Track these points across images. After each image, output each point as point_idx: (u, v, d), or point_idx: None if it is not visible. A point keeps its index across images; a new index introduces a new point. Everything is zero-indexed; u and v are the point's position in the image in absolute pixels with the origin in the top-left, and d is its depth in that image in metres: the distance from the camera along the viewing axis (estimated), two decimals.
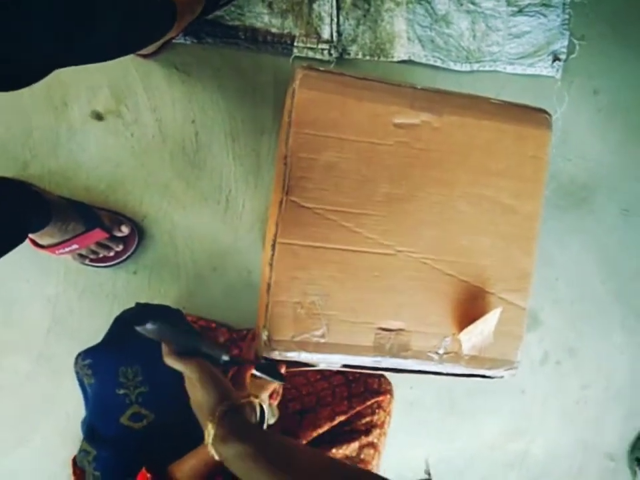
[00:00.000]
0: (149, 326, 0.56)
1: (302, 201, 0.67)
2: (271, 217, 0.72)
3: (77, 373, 0.70)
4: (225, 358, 0.60)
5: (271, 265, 0.67)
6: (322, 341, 0.69)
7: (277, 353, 0.68)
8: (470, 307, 0.73)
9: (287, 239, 0.67)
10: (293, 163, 0.66)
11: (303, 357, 0.69)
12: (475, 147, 0.72)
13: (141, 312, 0.66)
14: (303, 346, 0.69)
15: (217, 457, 0.51)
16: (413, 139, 0.70)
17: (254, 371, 0.64)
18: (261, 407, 0.59)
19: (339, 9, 1.00)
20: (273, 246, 0.67)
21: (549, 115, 0.76)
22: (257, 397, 0.59)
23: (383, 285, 0.70)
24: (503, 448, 1.21)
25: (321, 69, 0.68)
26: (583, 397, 1.23)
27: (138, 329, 0.56)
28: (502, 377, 0.78)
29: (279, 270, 0.67)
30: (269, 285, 0.67)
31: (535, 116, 0.75)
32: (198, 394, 0.54)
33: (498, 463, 1.22)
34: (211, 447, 0.51)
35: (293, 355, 0.69)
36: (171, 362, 0.57)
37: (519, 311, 0.75)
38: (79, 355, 0.69)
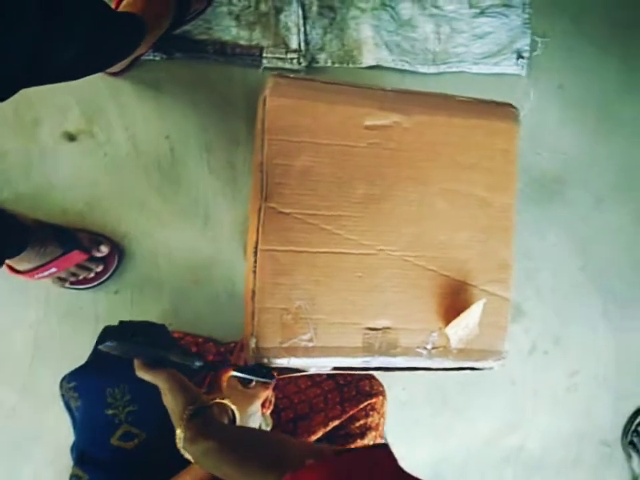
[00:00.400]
0: (109, 344, 0.55)
1: (280, 206, 0.67)
2: (250, 226, 0.72)
3: (63, 396, 0.69)
4: (198, 364, 0.60)
5: (254, 272, 0.67)
6: (310, 345, 0.69)
7: (265, 360, 0.68)
8: (454, 301, 0.74)
9: (268, 245, 0.67)
10: (269, 169, 0.67)
11: (293, 362, 0.69)
12: (446, 144, 0.73)
13: (123, 329, 0.65)
14: (292, 351, 0.69)
15: (190, 458, 0.51)
16: (385, 140, 0.71)
17: (234, 373, 0.63)
18: (232, 409, 0.59)
19: (305, 18, 1.01)
20: (255, 253, 0.67)
21: (516, 108, 0.78)
22: (227, 397, 0.59)
23: (366, 285, 0.70)
24: (498, 443, 1.22)
25: (291, 75, 0.69)
26: (573, 384, 1.24)
27: (100, 347, 0.56)
28: (491, 367, 0.78)
29: (263, 277, 0.67)
30: (253, 292, 0.67)
31: (502, 110, 0.77)
32: (169, 402, 0.55)
33: (494, 458, 1.22)
34: (182, 450, 0.51)
35: (282, 361, 0.68)
36: (142, 375, 0.57)
37: (502, 301, 0.77)
38: (64, 378, 0.68)
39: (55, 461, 0.98)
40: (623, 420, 1.28)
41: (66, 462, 0.96)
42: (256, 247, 0.67)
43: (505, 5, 1.11)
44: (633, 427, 1.25)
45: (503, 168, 0.76)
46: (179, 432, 0.52)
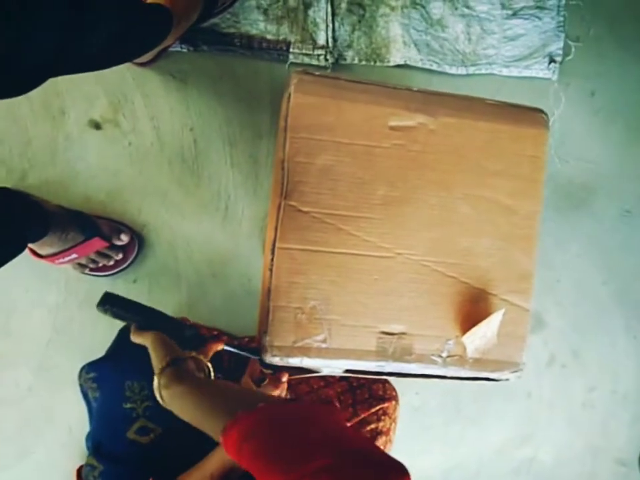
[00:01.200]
0: (107, 306, 0.59)
1: (300, 205, 0.66)
2: (269, 222, 0.71)
3: (81, 385, 0.69)
4: (189, 333, 0.62)
5: (270, 270, 0.67)
6: (323, 346, 0.69)
7: (278, 358, 0.67)
8: (472, 309, 0.72)
9: (286, 243, 0.67)
10: (290, 167, 0.66)
11: (305, 362, 0.68)
12: (472, 148, 0.72)
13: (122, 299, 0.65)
14: (305, 351, 0.68)
15: (162, 403, 0.54)
16: (409, 141, 0.70)
17: (225, 346, 0.65)
18: (208, 366, 0.61)
19: (334, 14, 1.00)
20: (272, 251, 0.67)
21: (546, 114, 0.75)
22: (205, 356, 0.61)
23: (383, 288, 0.69)
24: (511, 453, 1.20)
25: (316, 73, 0.68)
26: (590, 400, 1.22)
27: (98, 309, 0.59)
28: (507, 379, 0.77)
29: (279, 275, 0.67)
30: (269, 290, 0.67)
31: (532, 116, 0.75)
32: (152, 358, 0.57)
33: (505, 468, 1.20)
34: (157, 396, 0.55)
35: (294, 361, 0.68)
36: (134, 337, 0.60)
37: (522, 312, 0.75)
38: (83, 367, 0.68)
39: (67, 443, 1.00)
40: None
41: (76, 445, 0.98)
42: (274, 245, 0.67)
43: (539, 7, 1.08)
44: None
45: (529, 175, 0.74)
46: (155, 379, 0.55)
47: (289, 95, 0.67)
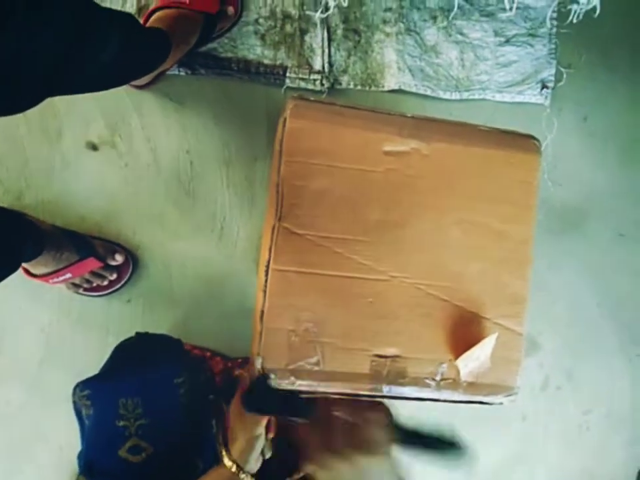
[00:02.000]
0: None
1: (294, 227, 0.67)
2: (263, 244, 0.72)
3: (75, 403, 0.69)
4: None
5: (264, 291, 0.67)
6: (316, 368, 0.68)
7: (271, 381, 0.67)
8: (466, 333, 0.72)
9: (280, 265, 0.67)
10: (285, 190, 0.67)
11: (298, 385, 0.68)
12: (464, 173, 0.73)
13: (140, 341, 0.65)
14: (298, 374, 0.68)
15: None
16: (403, 166, 0.70)
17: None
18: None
19: (330, 40, 1.02)
20: (266, 272, 0.67)
21: (537, 140, 0.77)
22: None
23: (377, 311, 0.69)
24: (505, 476, 1.18)
25: (312, 98, 0.69)
26: (585, 422, 1.21)
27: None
28: (501, 403, 0.77)
29: (273, 297, 0.67)
30: (262, 312, 0.67)
31: (524, 142, 0.76)
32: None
33: None
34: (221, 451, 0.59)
35: (287, 384, 0.68)
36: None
37: (515, 336, 0.75)
38: (77, 385, 0.68)
39: (58, 464, 0.98)
40: (635, 463, 1.23)
41: (67, 465, 0.97)
42: (267, 266, 0.67)
43: (531, 35, 1.10)
44: None
45: (522, 200, 0.75)
46: (224, 453, 0.59)
47: (285, 119, 0.68)
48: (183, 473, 0.63)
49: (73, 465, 0.67)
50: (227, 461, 0.58)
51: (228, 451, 0.59)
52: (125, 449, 0.62)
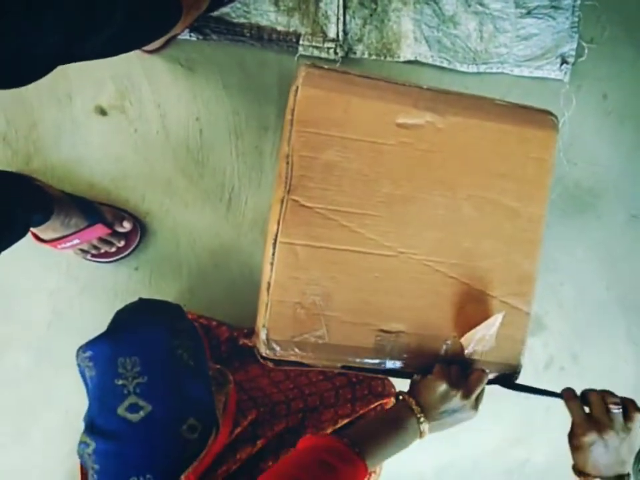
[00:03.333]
0: None
1: (303, 200, 0.66)
2: (271, 216, 0.71)
3: (79, 365, 0.69)
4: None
5: (271, 264, 0.67)
6: (321, 341, 0.69)
7: (276, 352, 0.67)
8: (472, 310, 0.72)
9: (287, 238, 0.66)
10: (295, 161, 0.66)
11: (302, 356, 0.69)
12: (478, 149, 0.71)
13: (141, 305, 0.65)
14: (302, 346, 0.68)
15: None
16: (416, 140, 0.69)
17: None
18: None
19: (345, 7, 0.99)
20: (274, 245, 0.67)
21: (555, 116, 0.75)
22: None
23: (384, 287, 0.69)
24: (505, 453, 1.20)
25: (325, 66, 0.68)
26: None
27: None
28: (505, 380, 0.77)
29: (280, 269, 0.67)
30: (269, 284, 0.67)
31: (540, 117, 0.74)
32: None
33: (499, 469, 1.20)
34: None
35: (292, 355, 0.68)
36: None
37: (522, 315, 0.75)
38: (80, 347, 0.69)
39: (65, 426, 1.00)
40: None
41: (74, 428, 0.99)
42: (275, 239, 0.67)
43: (554, 7, 1.07)
44: None
45: (536, 178, 0.73)
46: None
47: (297, 87, 0.67)
48: (178, 434, 0.64)
49: (79, 428, 0.69)
50: (414, 405, 0.67)
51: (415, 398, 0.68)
52: (123, 408, 0.63)
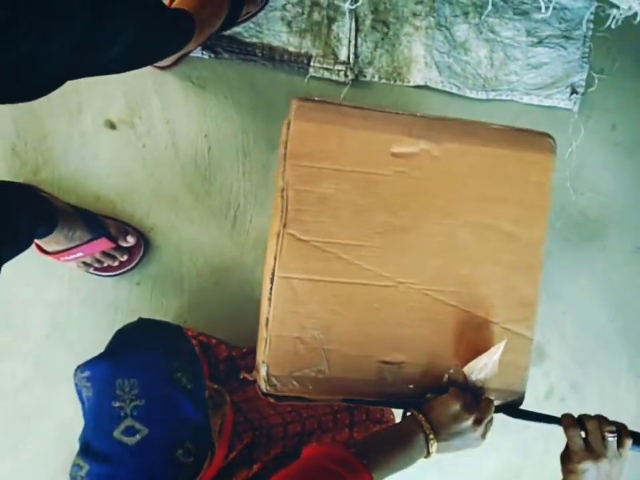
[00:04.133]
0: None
1: (300, 233, 0.65)
2: (268, 250, 0.71)
3: (76, 385, 0.69)
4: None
5: (269, 299, 0.66)
6: (322, 376, 0.68)
7: (277, 387, 0.67)
8: (474, 337, 0.72)
9: (285, 272, 0.66)
10: (290, 195, 0.66)
11: (303, 391, 0.68)
12: (475, 175, 0.70)
13: (142, 325, 0.65)
14: (303, 381, 0.68)
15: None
16: (411, 168, 0.68)
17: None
18: None
19: (357, 31, 1.00)
20: (272, 280, 0.66)
21: (552, 139, 0.74)
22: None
23: (383, 318, 0.69)
24: None
25: (316, 98, 0.67)
26: None
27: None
28: (510, 408, 0.76)
29: (278, 304, 0.66)
30: (267, 320, 0.66)
31: (538, 140, 0.73)
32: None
33: None
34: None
35: (293, 390, 0.68)
36: None
37: (524, 340, 0.74)
38: (79, 367, 0.68)
39: (59, 439, 0.99)
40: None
41: (68, 441, 0.97)
42: (272, 273, 0.66)
43: (565, 37, 1.07)
44: None
45: (535, 201, 0.73)
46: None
47: (289, 121, 0.67)
48: (176, 457, 0.63)
49: (73, 442, 0.68)
50: (424, 422, 0.66)
51: (426, 415, 0.67)
52: (119, 430, 0.62)
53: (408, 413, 0.69)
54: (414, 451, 0.64)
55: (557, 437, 1.16)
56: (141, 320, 0.78)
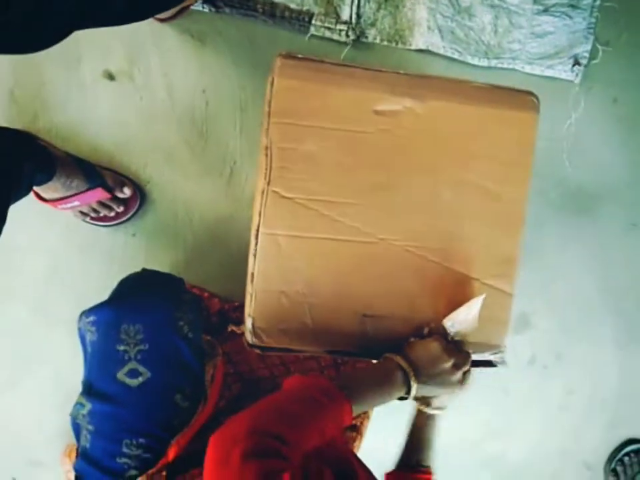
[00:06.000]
0: None
1: (283, 191, 0.66)
2: (254, 207, 0.72)
3: (80, 329, 0.71)
4: None
5: (254, 255, 0.68)
6: (306, 328, 0.70)
7: (262, 339, 0.69)
8: (455, 293, 0.73)
9: (269, 229, 0.67)
10: (274, 153, 0.66)
11: (288, 343, 0.70)
12: (458, 133, 0.71)
13: (146, 275, 0.66)
14: (288, 334, 0.70)
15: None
16: (394, 126, 0.69)
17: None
18: None
19: None
20: (256, 236, 0.68)
21: (536, 97, 0.74)
22: None
23: (365, 273, 0.70)
24: (480, 446, 1.22)
25: (300, 56, 0.67)
26: (566, 403, 1.23)
27: None
28: (491, 362, 0.78)
29: (263, 260, 0.68)
30: (252, 275, 0.68)
31: (521, 99, 0.73)
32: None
33: (473, 460, 1.22)
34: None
35: (278, 342, 0.70)
36: None
37: (504, 296, 0.75)
38: (83, 312, 0.71)
39: (56, 378, 1.03)
40: (610, 446, 1.26)
41: (65, 381, 1.01)
42: (257, 230, 0.68)
43: (572, 6, 1.05)
44: (619, 456, 1.23)
45: (517, 160, 0.73)
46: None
47: (272, 78, 0.67)
48: (174, 400, 0.66)
49: (69, 383, 0.71)
50: (402, 362, 0.67)
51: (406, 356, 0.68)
52: (123, 372, 0.65)
53: (387, 356, 0.70)
54: (393, 388, 0.66)
55: (537, 404, 1.20)
56: (144, 270, 0.80)
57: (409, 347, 0.70)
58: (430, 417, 0.75)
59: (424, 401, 0.73)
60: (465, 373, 0.71)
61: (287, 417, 0.54)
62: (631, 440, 1.25)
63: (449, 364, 0.68)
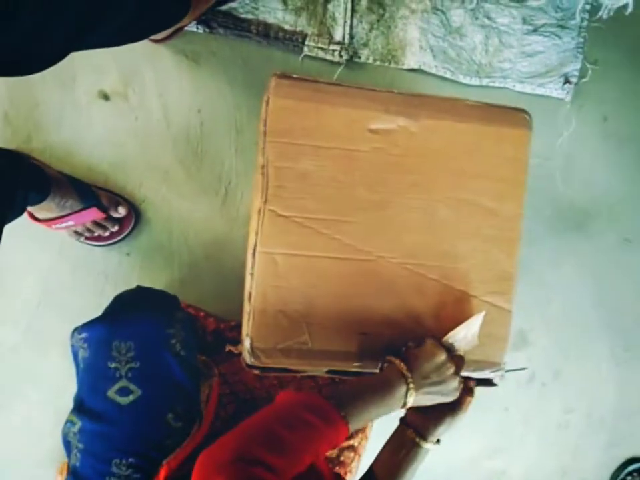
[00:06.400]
0: None
1: (280, 209, 0.67)
2: (250, 226, 0.72)
3: (73, 346, 0.71)
4: None
5: (251, 274, 0.68)
6: (305, 347, 0.69)
7: (261, 360, 0.68)
8: (454, 310, 0.73)
9: (266, 248, 0.67)
10: (270, 172, 0.67)
11: (287, 363, 0.69)
12: (453, 151, 0.72)
13: (140, 292, 0.66)
14: (287, 354, 0.69)
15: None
16: (389, 145, 0.69)
17: None
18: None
19: (353, 11, 1.00)
20: (253, 255, 0.67)
21: (528, 114, 0.75)
22: None
23: (364, 291, 0.70)
24: (481, 465, 1.20)
25: (294, 75, 0.68)
26: (565, 421, 1.22)
27: None
28: (491, 380, 0.77)
29: (260, 279, 0.67)
30: (250, 294, 0.68)
31: (514, 116, 0.75)
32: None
33: (474, 477, 1.21)
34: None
35: (276, 362, 0.69)
36: None
37: (503, 312, 0.75)
38: (76, 329, 0.70)
39: (46, 403, 1.01)
40: (610, 466, 1.25)
41: (56, 405, 0.99)
42: (254, 249, 0.67)
43: (560, 26, 1.07)
44: (622, 475, 1.22)
45: (511, 176, 0.74)
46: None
47: (268, 98, 0.67)
48: (164, 420, 0.65)
49: (60, 406, 0.69)
50: (405, 370, 0.65)
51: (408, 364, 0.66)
52: (113, 390, 0.64)
53: (389, 362, 0.68)
54: (393, 401, 0.64)
55: (537, 422, 1.19)
56: (139, 287, 0.79)
57: (411, 356, 0.68)
58: (424, 452, 0.72)
59: (422, 433, 0.71)
60: (461, 384, 0.70)
61: (275, 443, 0.52)
62: (632, 459, 1.24)
63: (450, 371, 0.67)
